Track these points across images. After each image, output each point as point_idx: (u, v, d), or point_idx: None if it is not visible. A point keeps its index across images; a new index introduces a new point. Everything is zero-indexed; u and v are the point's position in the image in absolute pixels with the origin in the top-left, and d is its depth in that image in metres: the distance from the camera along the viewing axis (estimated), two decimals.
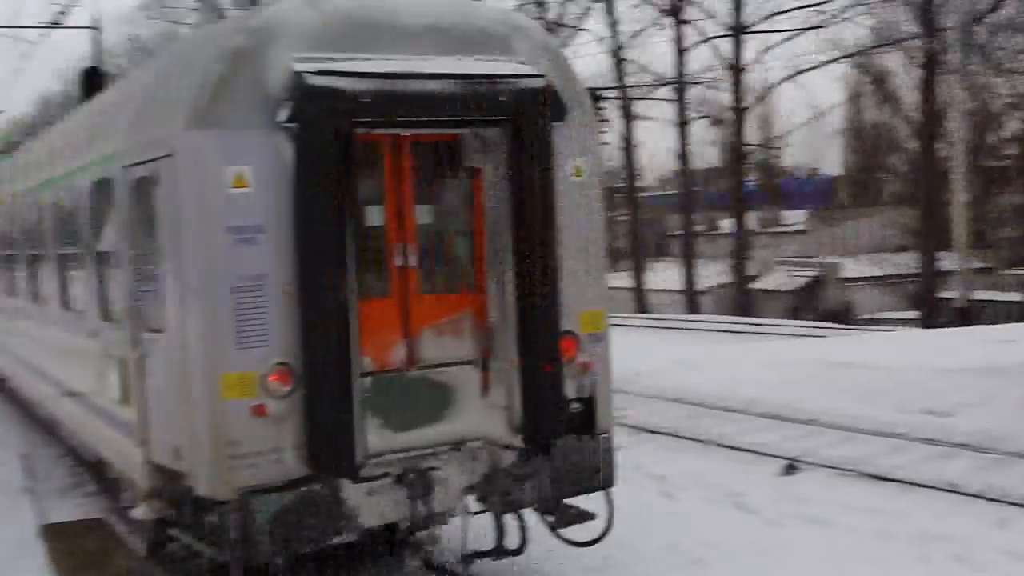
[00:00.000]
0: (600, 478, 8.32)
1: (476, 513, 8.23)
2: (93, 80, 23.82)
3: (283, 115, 7.06)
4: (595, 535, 8.64)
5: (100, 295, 9.17)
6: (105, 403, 9.05)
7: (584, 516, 8.56)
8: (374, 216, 7.78)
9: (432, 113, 7.52)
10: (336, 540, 7.37)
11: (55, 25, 24.54)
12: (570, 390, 8.20)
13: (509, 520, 8.38)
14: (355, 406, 7.23)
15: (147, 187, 7.64)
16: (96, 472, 11.69)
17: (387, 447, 7.59)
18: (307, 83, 7.02)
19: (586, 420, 8.32)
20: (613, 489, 8.52)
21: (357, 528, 7.51)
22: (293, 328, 7.15)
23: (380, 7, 7.72)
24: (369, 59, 7.33)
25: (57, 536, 8.82)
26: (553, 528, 8.58)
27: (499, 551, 8.39)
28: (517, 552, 8.41)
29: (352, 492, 7.38)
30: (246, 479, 7.08)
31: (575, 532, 8.63)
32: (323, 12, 7.46)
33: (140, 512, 8.76)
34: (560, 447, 8.06)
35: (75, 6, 22.29)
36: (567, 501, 8.48)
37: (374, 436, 7.50)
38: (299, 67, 7.09)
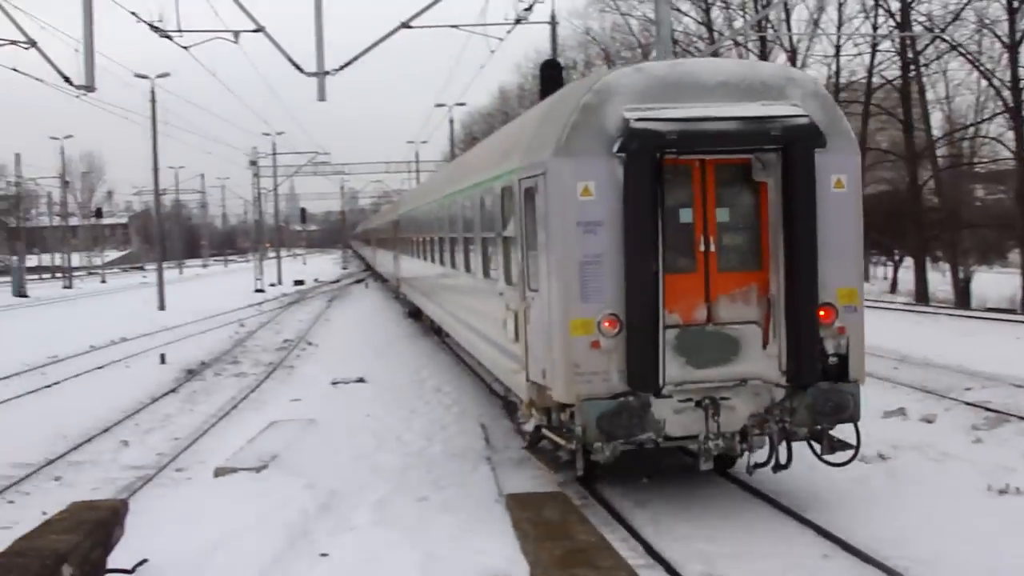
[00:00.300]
0: (848, 414, 10.98)
1: (757, 435, 11.15)
2: (551, 73, 26.87)
3: (616, 147, 10.48)
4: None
5: (505, 266, 13.03)
6: (505, 342, 12.97)
7: (845, 445, 11.25)
8: (685, 215, 10.96)
9: (722, 144, 10.60)
10: (645, 438, 10.61)
11: (519, 21, 26.89)
12: (829, 347, 10.97)
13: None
14: (661, 346, 10.49)
15: (531, 193, 11.35)
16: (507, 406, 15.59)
17: (686, 379, 10.74)
18: (631, 126, 10.38)
19: (841, 371, 11.02)
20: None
21: (665, 436, 10.73)
22: (620, 290, 10.53)
23: (686, 70, 11.01)
24: (676, 107, 10.57)
25: (518, 504, 9.23)
26: (819, 455, 11.33)
27: (776, 465, 11.29)
28: (786, 467, 11.26)
29: (658, 406, 10.63)
30: (584, 390, 10.59)
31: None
32: (645, 75, 10.87)
33: (528, 425, 12.66)
34: (817, 388, 10.85)
35: (538, 1, 24.84)
36: (832, 433, 11.22)
37: (676, 369, 10.68)
38: (627, 115, 10.48)
